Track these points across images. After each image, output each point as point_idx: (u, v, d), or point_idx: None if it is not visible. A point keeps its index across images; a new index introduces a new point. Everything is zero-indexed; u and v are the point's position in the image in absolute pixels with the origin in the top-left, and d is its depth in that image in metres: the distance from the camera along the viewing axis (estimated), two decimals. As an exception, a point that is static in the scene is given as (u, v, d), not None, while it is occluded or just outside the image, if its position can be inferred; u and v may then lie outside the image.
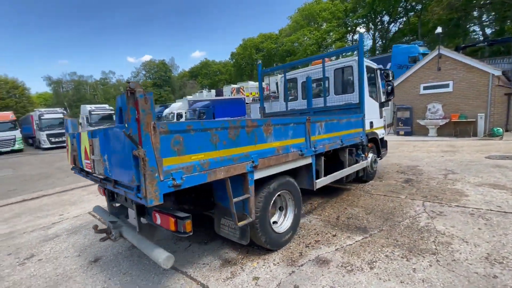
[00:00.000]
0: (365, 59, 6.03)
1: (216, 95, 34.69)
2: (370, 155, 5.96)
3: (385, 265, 2.84)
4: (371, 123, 5.91)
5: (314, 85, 6.64)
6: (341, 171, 4.42)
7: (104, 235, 2.98)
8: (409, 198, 4.84)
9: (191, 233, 2.26)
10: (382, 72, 6.34)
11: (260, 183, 3.10)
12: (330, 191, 5.52)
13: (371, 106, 5.95)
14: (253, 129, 2.72)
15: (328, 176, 4.16)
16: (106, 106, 24.89)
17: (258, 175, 2.85)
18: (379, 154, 6.44)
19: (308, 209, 4.70)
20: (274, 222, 3.50)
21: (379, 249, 3.17)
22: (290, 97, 7.18)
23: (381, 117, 6.51)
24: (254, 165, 2.70)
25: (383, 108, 6.62)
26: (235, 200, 2.61)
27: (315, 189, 3.83)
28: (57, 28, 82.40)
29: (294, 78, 6.88)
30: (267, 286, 2.65)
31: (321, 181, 3.97)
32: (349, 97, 5.83)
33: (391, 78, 6.27)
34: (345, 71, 5.92)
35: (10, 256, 3.76)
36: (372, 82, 6.55)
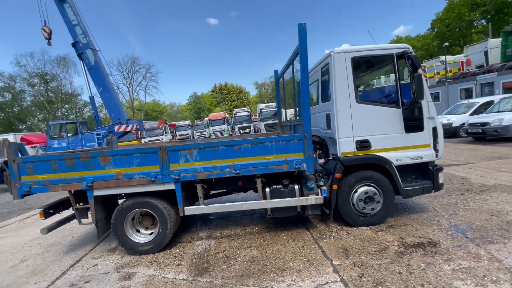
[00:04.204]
0: (373, 45, 4.07)
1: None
2: (361, 189, 4.07)
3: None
4: (362, 142, 3.99)
5: (313, 88, 5.30)
6: (226, 204, 3.86)
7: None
8: (336, 268, 3.12)
9: (42, 219, 3.90)
10: (406, 58, 3.86)
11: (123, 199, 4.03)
12: (295, 222, 4.59)
13: (370, 116, 4.01)
14: (88, 160, 3.74)
15: (209, 206, 3.91)
16: (273, 104, 29.90)
17: (100, 192, 3.83)
18: (396, 190, 4.08)
19: (239, 233, 4.46)
20: (152, 233, 4.17)
21: (162, 294, 2.99)
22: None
23: (415, 129, 4.02)
24: (88, 185, 3.74)
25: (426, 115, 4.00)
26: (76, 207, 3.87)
27: (181, 215, 3.89)
28: (276, 37, 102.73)
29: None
30: (87, 273, 3.66)
31: (192, 209, 3.89)
32: (327, 107, 4.30)
33: (417, 66, 3.71)
34: (325, 70, 4.35)
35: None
36: (386, 78, 4.18)
